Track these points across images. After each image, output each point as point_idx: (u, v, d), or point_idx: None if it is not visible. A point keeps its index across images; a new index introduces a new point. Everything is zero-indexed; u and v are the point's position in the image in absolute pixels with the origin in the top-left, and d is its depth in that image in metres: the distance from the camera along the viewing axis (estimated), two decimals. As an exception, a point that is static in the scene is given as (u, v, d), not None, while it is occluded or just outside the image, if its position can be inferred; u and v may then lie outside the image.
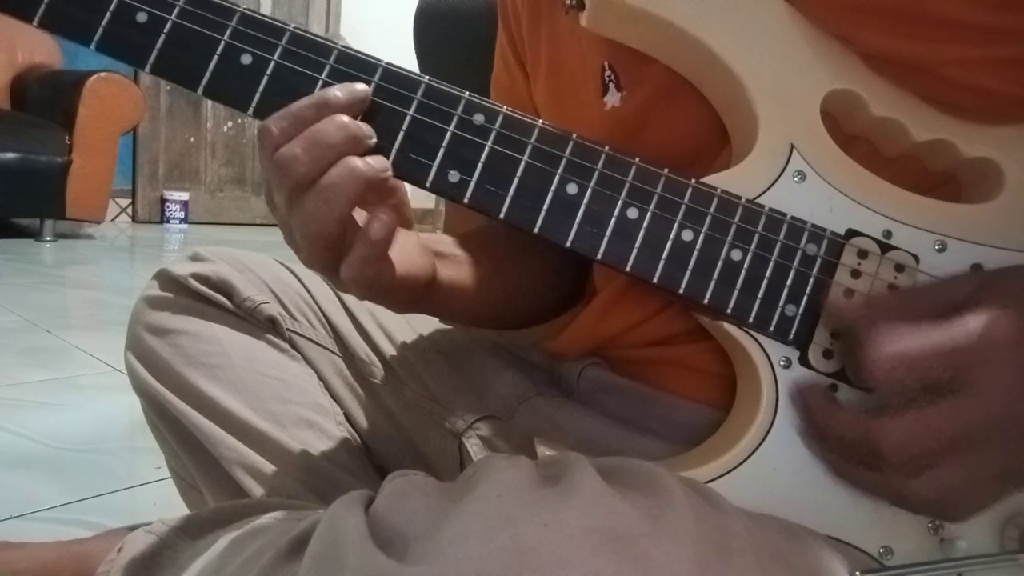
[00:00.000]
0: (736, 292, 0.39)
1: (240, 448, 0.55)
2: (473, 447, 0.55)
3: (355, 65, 0.38)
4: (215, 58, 0.38)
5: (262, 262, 0.64)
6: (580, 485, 0.30)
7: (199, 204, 3.85)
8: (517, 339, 0.61)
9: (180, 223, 3.70)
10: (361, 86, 0.38)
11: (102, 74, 2.76)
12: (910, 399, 0.34)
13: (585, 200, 0.39)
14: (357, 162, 0.37)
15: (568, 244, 0.39)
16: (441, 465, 0.56)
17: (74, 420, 1.14)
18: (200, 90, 0.38)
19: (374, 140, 0.38)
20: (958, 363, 0.33)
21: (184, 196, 3.72)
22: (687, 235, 0.39)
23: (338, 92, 0.38)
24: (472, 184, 0.39)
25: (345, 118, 0.37)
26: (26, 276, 2.24)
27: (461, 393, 0.57)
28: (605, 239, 0.39)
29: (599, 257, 0.39)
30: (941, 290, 0.37)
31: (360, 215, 0.40)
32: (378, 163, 0.38)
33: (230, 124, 3.93)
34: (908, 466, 0.34)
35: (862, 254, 0.39)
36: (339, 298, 0.64)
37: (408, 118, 0.39)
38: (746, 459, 0.38)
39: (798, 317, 0.39)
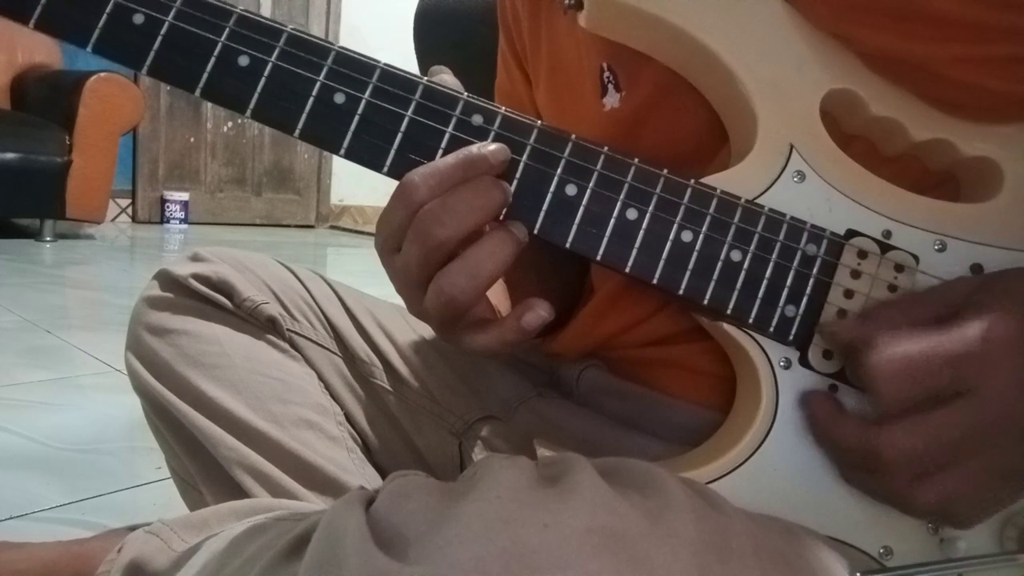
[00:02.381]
0: (736, 293, 0.39)
1: (240, 448, 0.55)
2: (473, 447, 0.55)
3: (353, 66, 0.38)
4: (212, 60, 0.38)
5: (262, 262, 0.64)
6: (580, 486, 0.30)
7: (199, 204, 3.85)
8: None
9: (180, 223, 3.70)
10: (504, 147, 0.38)
11: (102, 74, 2.76)
12: (914, 410, 0.33)
13: (584, 201, 0.39)
14: (506, 237, 0.37)
15: (567, 245, 0.39)
16: (441, 465, 0.56)
17: (74, 420, 1.14)
18: (198, 92, 0.38)
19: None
20: (959, 367, 0.33)
21: (184, 196, 3.73)
22: (686, 236, 0.39)
23: (488, 155, 0.37)
24: (471, 185, 0.39)
25: (493, 181, 0.37)
26: (26, 276, 2.24)
27: (461, 393, 0.57)
28: (604, 240, 0.39)
29: (599, 258, 0.39)
30: (939, 294, 0.37)
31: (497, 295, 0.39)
32: (520, 231, 0.38)
33: (230, 124, 3.93)
34: (912, 472, 0.34)
35: (862, 254, 0.39)
36: (339, 298, 0.64)
37: (406, 119, 0.38)
38: (746, 460, 0.38)
39: (798, 318, 0.39)
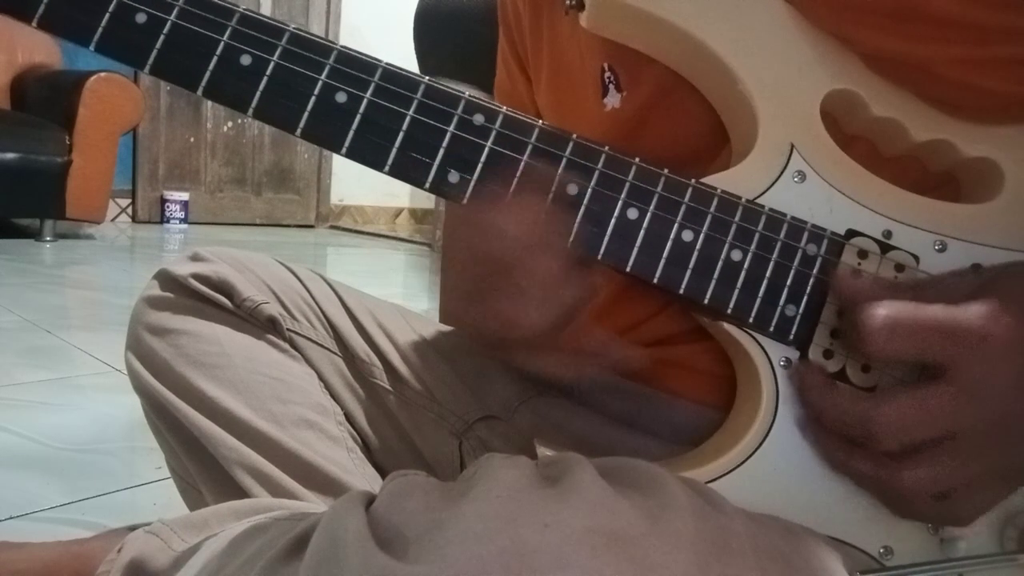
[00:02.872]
0: (736, 292, 0.39)
1: (240, 448, 0.55)
2: (473, 447, 0.55)
3: (354, 66, 0.38)
4: (214, 59, 0.38)
5: (262, 262, 0.64)
6: (580, 485, 0.30)
7: (199, 204, 3.85)
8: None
9: (180, 223, 3.70)
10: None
11: (102, 74, 2.76)
12: (908, 383, 0.34)
13: (585, 200, 0.39)
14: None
15: (568, 244, 0.39)
16: (441, 465, 0.56)
17: (74, 420, 1.14)
18: (200, 91, 0.38)
19: None
20: (956, 346, 0.33)
21: (184, 196, 3.72)
22: (687, 235, 0.39)
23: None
24: (472, 184, 0.39)
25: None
26: (26, 276, 2.24)
27: (461, 393, 0.57)
28: (605, 239, 0.39)
29: (599, 257, 0.39)
30: (945, 283, 0.37)
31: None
32: None
33: (230, 124, 3.93)
34: (898, 447, 0.34)
35: (862, 254, 0.39)
36: (339, 298, 0.64)
37: (408, 118, 0.39)
38: (746, 459, 0.38)
39: (798, 317, 0.39)
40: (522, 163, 0.39)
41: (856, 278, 0.38)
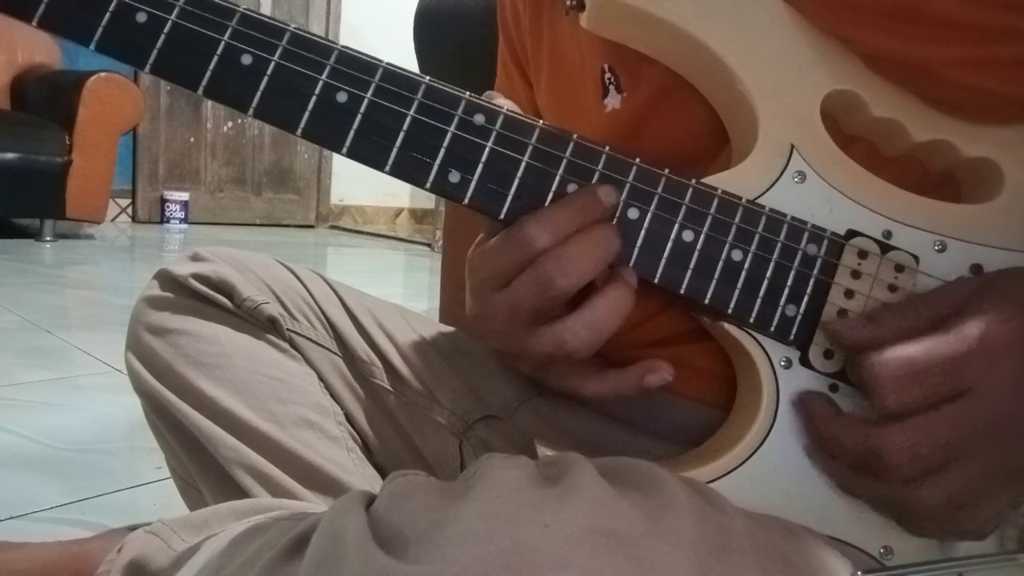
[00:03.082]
0: (736, 292, 0.39)
1: (240, 448, 0.55)
2: (473, 447, 0.55)
3: (355, 66, 0.38)
4: (215, 58, 0.38)
5: (262, 262, 0.64)
6: (580, 485, 0.30)
7: (199, 204, 3.85)
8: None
9: (180, 223, 3.70)
10: (613, 189, 0.38)
11: (102, 74, 2.76)
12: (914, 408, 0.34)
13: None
14: (626, 291, 0.38)
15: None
16: (441, 465, 0.56)
17: (74, 420, 1.14)
18: (200, 91, 0.38)
19: None
20: (959, 368, 0.33)
21: (184, 196, 3.73)
22: (688, 235, 0.39)
23: (602, 199, 0.37)
24: (473, 184, 0.39)
25: (610, 231, 0.38)
26: (26, 276, 2.24)
27: (461, 393, 0.57)
28: (605, 239, 0.39)
29: (600, 257, 0.39)
30: (940, 296, 0.37)
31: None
32: (633, 280, 0.38)
33: (230, 124, 3.93)
34: (912, 474, 0.34)
35: (862, 254, 0.39)
36: (339, 298, 0.64)
37: (408, 118, 0.39)
38: (747, 459, 0.38)
39: (799, 317, 0.39)
40: (523, 163, 0.39)
41: (852, 328, 0.37)
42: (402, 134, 0.38)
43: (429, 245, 3.84)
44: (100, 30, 0.37)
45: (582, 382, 0.41)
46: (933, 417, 0.33)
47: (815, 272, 0.39)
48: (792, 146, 0.39)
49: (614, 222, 0.39)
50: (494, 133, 0.39)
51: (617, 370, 0.41)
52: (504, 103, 0.40)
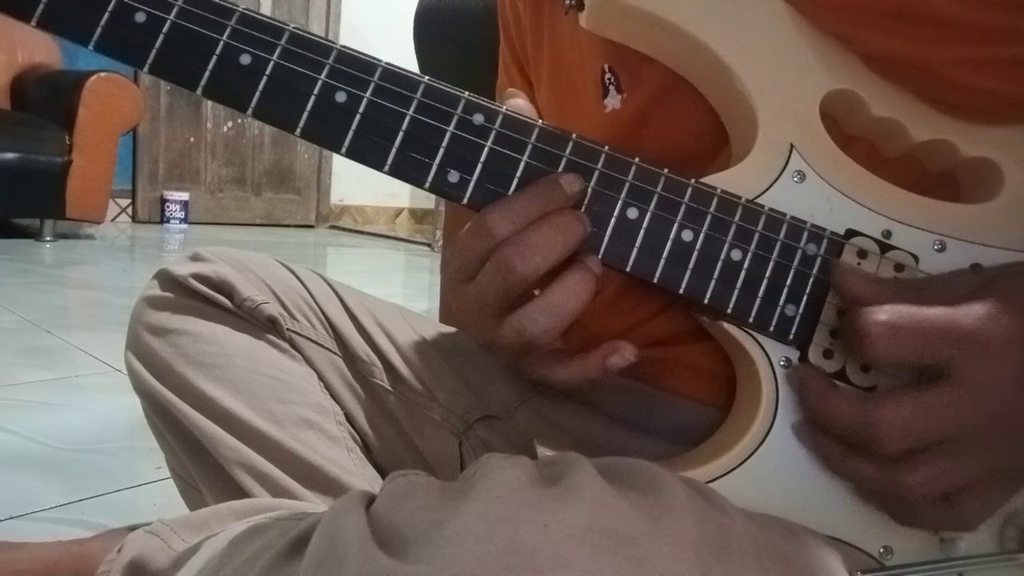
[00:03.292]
0: (736, 292, 0.39)
1: (240, 448, 0.55)
2: (473, 447, 0.55)
3: (355, 65, 0.38)
4: (214, 58, 0.38)
5: (262, 262, 0.64)
6: (580, 485, 0.30)
7: (199, 204, 3.85)
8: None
9: (180, 223, 3.70)
10: (578, 176, 0.38)
11: (102, 74, 2.76)
12: (908, 385, 0.34)
13: (585, 200, 0.39)
14: (586, 275, 0.37)
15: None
16: (441, 465, 0.56)
17: (74, 420, 1.14)
18: (199, 90, 0.38)
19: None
20: (956, 348, 0.33)
21: (184, 196, 3.73)
22: (687, 235, 0.39)
23: (564, 187, 0.37)
24: (472, 184, 0.39)
25: (574, 215, 0.37)
26: (26, 276, 2.24)
27: (461, 393, 0.57)
28: (605, 239, 0.39)
29: (600, 257, 0.39)
30: (944, 283, 0.37)
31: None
32: (596, 266, 0.38)
33: (230, 124, 3.93)
34: (905, 454, 0.34)
35: (862, 254, 0.39)
36: (339, 298, 0.64)
37: (408, 118, 0.39)
38: (746, 459, 0.38)
39: (798, 317, 0.39)
40: (523, 162, 0.39)
41: (856, 277, 0.37)
42: (401, 134, 0.38)
43: (429, 245, 3.85)
44: (99, 30, 0.37)
45: (549, 370, 0.41)
46: (927, 398, 0.34)
47: (814, 271, 0.39)
48: (791, 146, 0.39)
49: (613, 221, 0.39)
50: (493, 132, 0.39)
51: (581, 355, 0.40)
52: (521, 102, 0.40)
